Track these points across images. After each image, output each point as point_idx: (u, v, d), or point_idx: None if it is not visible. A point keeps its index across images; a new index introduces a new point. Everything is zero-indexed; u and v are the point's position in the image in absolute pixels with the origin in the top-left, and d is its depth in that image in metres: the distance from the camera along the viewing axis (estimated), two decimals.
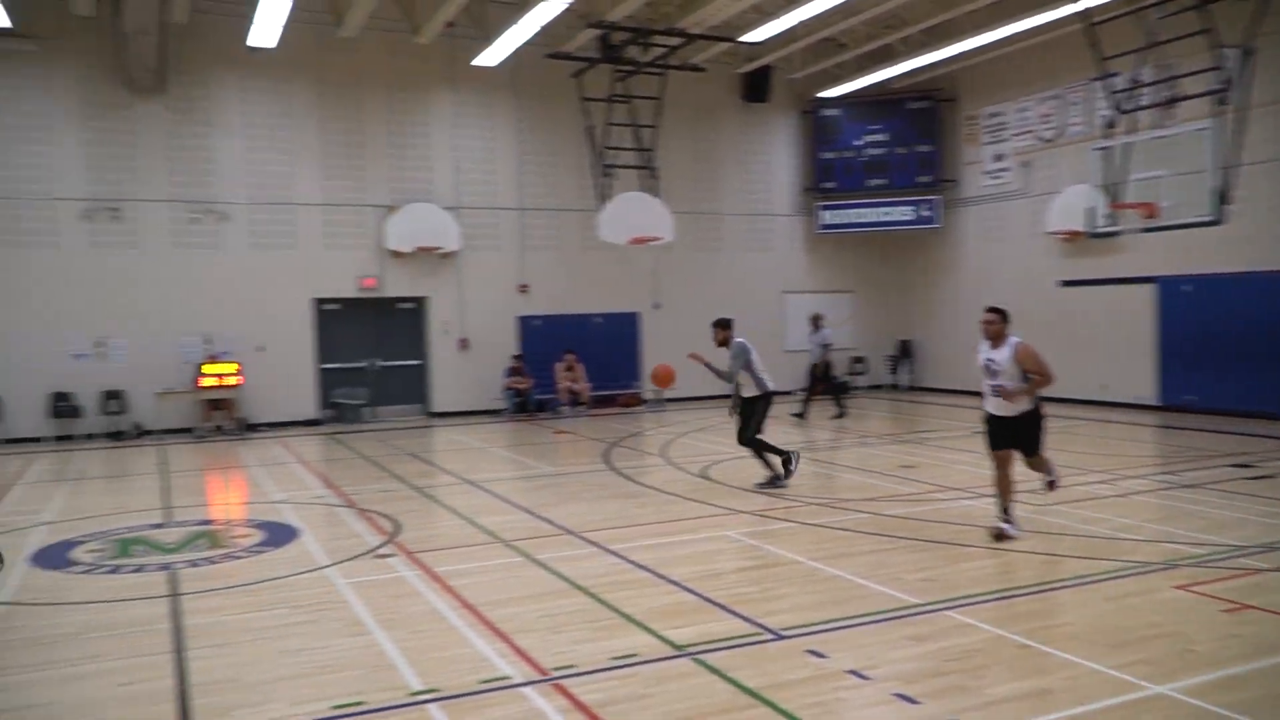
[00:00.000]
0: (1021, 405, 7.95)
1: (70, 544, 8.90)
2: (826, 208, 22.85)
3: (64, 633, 6.30)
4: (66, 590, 7.35)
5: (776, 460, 10.73)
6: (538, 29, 16.83)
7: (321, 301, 18.90)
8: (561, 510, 9.86)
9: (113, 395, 17.29)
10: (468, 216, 19.73)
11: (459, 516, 9.75)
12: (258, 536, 9.02)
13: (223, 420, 17.60)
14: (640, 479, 11.92)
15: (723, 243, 22.31)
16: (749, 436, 10.73)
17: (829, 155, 22.79)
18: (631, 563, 7.66)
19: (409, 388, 19.91)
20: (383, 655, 5.69)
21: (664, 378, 11.82)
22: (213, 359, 17.63)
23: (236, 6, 16.80)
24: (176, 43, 16.95)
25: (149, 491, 11.87)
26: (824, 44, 20.54)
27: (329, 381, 19.12)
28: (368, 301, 19.28)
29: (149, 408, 17.37)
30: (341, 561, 7.97)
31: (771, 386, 10.78)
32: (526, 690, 5.09)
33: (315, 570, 7.74)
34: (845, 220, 22.82)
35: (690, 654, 5.54)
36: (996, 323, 8.06)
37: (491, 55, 18.15)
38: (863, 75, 21.11)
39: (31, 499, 11.50)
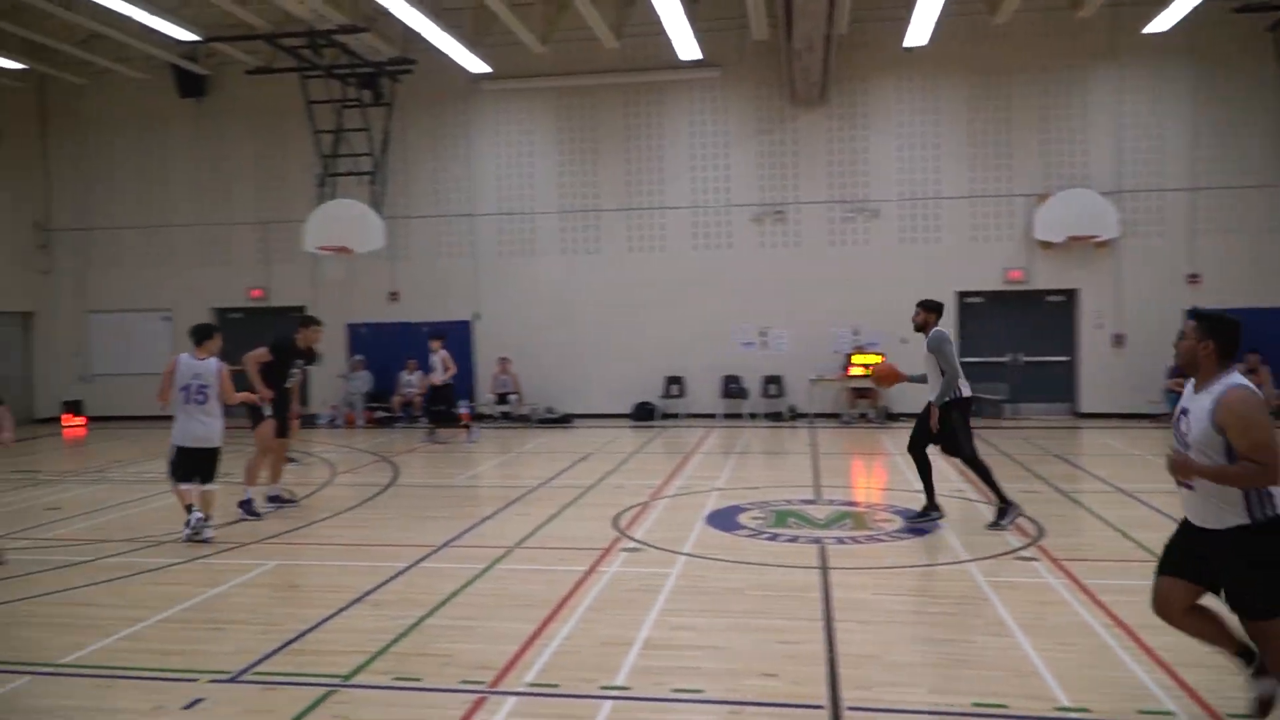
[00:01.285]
0: (1226, 512, 4.22)
1: (737, 509, 10.05)
2: None
3: (732, 587, 7.13)
4: (734, 550, 8.30)
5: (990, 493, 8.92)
6: None
7: (964, 294, 18.82)
8: None
9: (772, 380, 19.17)
10: (1128, 200, 18.09)
11: (1110, 527, 8.99)
12: (899, 523, 9.28)
13: (867, 408, 18.48)
14: None
15: None
16: (965, 456, 8.81)
17: None
18: None
19: (1054, 385, 18.91)
20: (1026, 661, 5.47)
21: (885, 377, 9.70)
22: (860, 350, 18.60)
23: (893, 10, 17.41)
24: (837, 54, 18.10)
25: (801, 469, 12.93)
26: None
27: (970, 376, 18.89)
28: (1012, 294, 18.72)
29: (803, 393, 18.93)
30: (982, 558, 7.84)
31: (966, 393, 8.95)
32: None
33: (956, 564, 7.73)
34: None
35: None
36: (1190, 339, 4.38)
37: (1166, 19, 16.32)
38: None
39: (707, 467, 13.23)
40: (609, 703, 5.01)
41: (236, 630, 6.33)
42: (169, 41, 17.89)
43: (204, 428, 9.01)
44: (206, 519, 8.95)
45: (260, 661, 5.68)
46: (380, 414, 19.56)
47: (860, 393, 18.52)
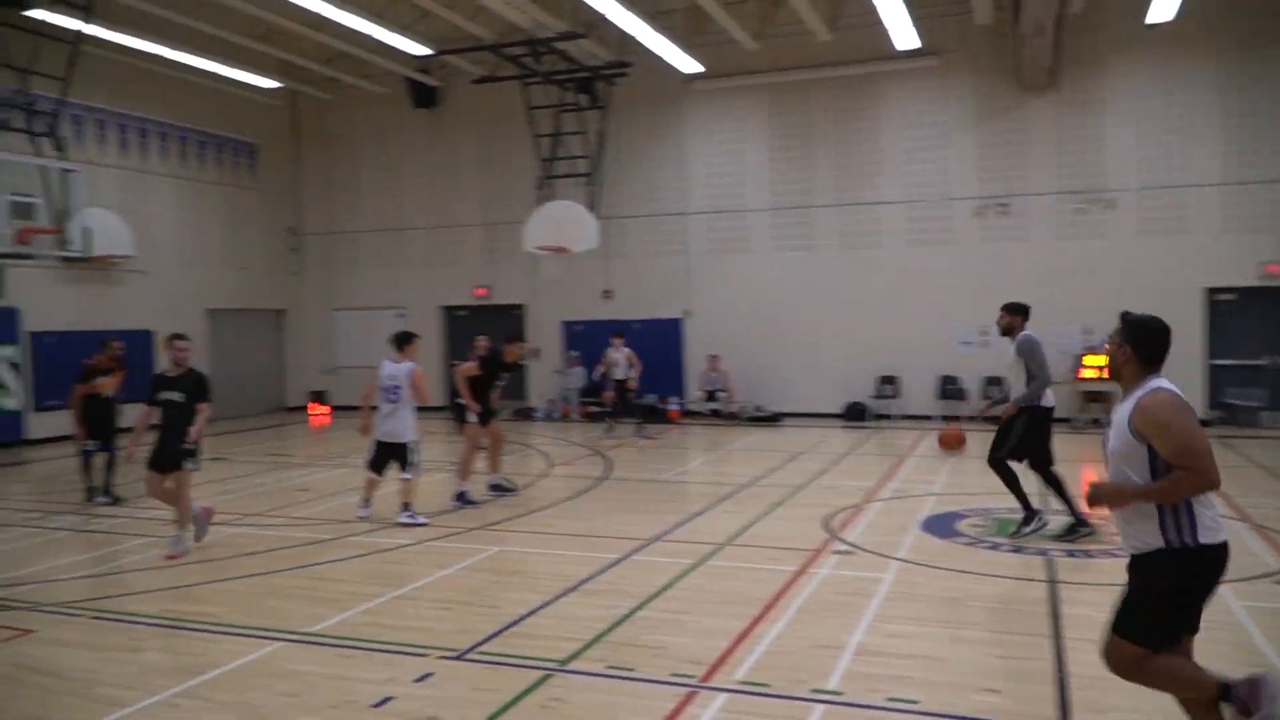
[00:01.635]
0: (1146, 533, 3.85)
1: (955, 516, 9.66)
2: None
3: (951, 596, 6.85)
4: (952, 558, 7.98)
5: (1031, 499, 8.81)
6: None
7: (1214, 291, 17.27)
8: None
9: (993, 381, 18.26)
10: None
11: None
12: None
13: (1099, 413, 17.30)
14: None
15: None
16: (998, 456, 8.68)
17: None
18: None
19: None
20: None
21: (951, 441, 9.39)
22: (1091, 350, 17.44)
23: None
24: (1070, 35, 17.04)
25: (1025, 476, 12.21)
26: None
27: (1219, 380, 17.41)
28: (1271, 290, 16.99)
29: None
30: (1235, 580, 7.14)
31: (1047, 402, 8.57)
32: None
33: None
34: None
35: None
36: (1112, 344, 4.05)
37: None
38: None
39: (923, 470, 12.79)
40: (820, 706, 4.93)
41: (462, 611, 6.68)
42: (405, 57, 19.13)
43: (392, 424, 9.75)
44: (405, 505, 9.70)
45: (484, 642, 5.97)
46: (594, 409, 20.10)
47: (1092, 396, 17.37)
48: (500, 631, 6.17)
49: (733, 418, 19.17)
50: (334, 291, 23.31)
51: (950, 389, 18.49)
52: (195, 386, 8.56)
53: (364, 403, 9.98)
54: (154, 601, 7.09)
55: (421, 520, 9.68)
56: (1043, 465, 8.69)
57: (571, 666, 5.53)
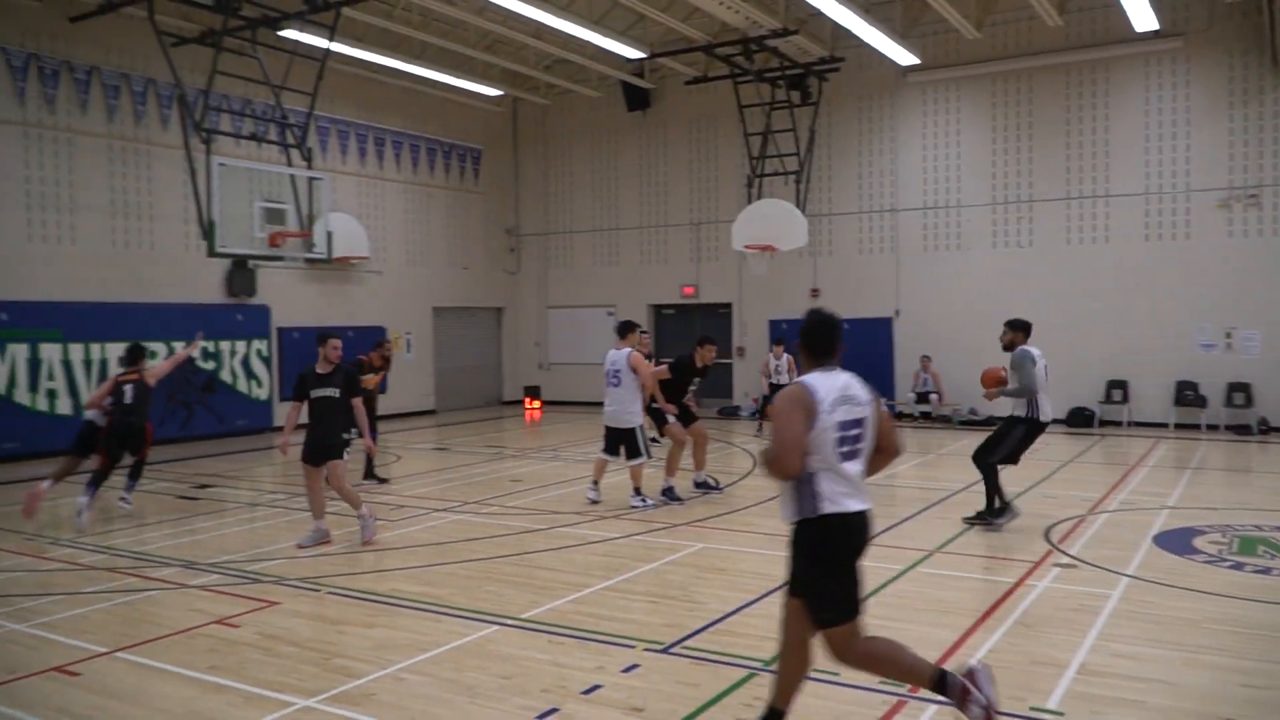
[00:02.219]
0: (784, 508, 4.39)
1: (1192, 532, 8.95)
2: None
3: (1186, 617, 6.36)
4: (1188, 576, 7.40)
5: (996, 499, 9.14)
6: None
7: None
8: None
9: (1238, 388, 16.79)
10: None
11: None
12: None
13: None
14: None
15: None
16: (992, 461, 9.13)
17: None
18: None
19: None
20: None
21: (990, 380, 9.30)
22: None
23: None
24: None
25: (1275, 492, 11.22)
26: None
27: None
28: None
29: (1277, 403, 16.36)
30: None
31: (1044, 417, 9.08)
32: None
33: None
34: None
35: None
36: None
37: None
38: None
39: (1156, 482, 11.92)
40: None
41: (668, 605, 6.81)
42: (620, 61, 19.62)
43: (613, 407, 10.43)
44: (635, 490, 10.35)
45: (689, 637, 6.06)
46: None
47: None
48: (705, 628, 6.25)
49: (945, 421, 18.53)
50: (548, 290, 24.22)
51: (1188, 395, 17.12)
52: (346, 382, 8.86)
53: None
54: (385, 581, 7.62)
55: (650, 504, 10.27)
56: (1002, 461, 9.24)
57: (776, 667, 5.52)
